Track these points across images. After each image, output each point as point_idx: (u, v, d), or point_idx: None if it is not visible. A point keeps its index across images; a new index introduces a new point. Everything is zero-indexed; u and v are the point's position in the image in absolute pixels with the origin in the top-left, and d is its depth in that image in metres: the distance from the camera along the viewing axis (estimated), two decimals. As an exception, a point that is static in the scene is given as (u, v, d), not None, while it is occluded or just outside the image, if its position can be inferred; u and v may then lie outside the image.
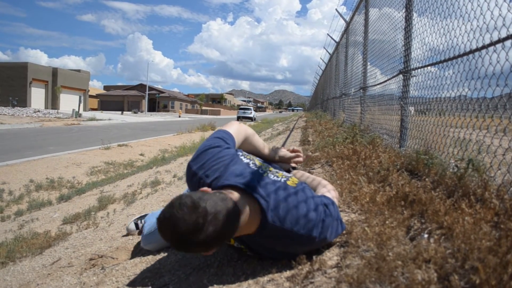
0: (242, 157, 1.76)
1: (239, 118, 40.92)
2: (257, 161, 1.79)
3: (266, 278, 1.50)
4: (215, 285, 1.55)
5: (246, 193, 1.50)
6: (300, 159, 2.13)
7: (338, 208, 1.73)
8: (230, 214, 1.35)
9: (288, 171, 2.09)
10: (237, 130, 1.95)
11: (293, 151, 2.14)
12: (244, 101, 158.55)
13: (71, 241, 3.22)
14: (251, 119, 42.22)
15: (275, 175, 1.70)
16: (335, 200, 1.76)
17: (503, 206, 1.54)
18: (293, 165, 2.17)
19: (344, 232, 1.72)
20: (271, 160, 2.06)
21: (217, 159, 1.68)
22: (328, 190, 1.85)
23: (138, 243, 2.51)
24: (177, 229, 1.27)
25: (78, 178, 7.92)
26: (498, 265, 1.10)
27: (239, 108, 56.03)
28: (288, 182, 1.66)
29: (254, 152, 2.03)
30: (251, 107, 50.56)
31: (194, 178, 1.67)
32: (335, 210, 1.64)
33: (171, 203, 1.33)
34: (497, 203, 1.57)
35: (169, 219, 1.29)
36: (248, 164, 1.71)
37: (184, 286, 1.65)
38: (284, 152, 2.10)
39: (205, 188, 1.47)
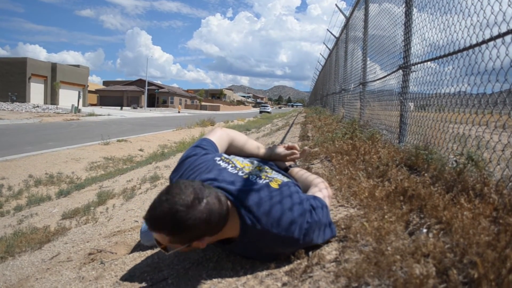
0: (220, 162, 1.77)
1: (261, 112, 57.89)
2: (239, 163, 1.79)
3: (265, 272, 1.50)
4: (214, 280, 1.55)
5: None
6: (296, 155, 2.11)
7: (329, 211, 1.70)
8: (221, 201, 1.42)
9: (287, 169, 2.08)
10: (219, 136, 1.99)
11: (288, 147, 2.12)
12: (244, 96, 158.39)
13: (70, 236, 3.22)
14: (269, 112, 57.80)
15: (259, 176, 1.70)
16: (327, 200, 1.74)
17: (502, 201, 1.54)
18: (289, 163, 2.15)
19: (343, 226, 1.72)
20: (268, 159, 2.05)
21: (193, 168, 1.71)
22: (320, 190, 1.82)
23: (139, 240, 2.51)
24: (174, 200, 1.33)
25: (77, 173, 7.91)
26: (496, 259, 1.10)
27: (260, 105, 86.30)
28: (271, 184, 1.65)
29: (248, 154, 2.04)
30: (268, 104, 76.20)
31: None
32: (324, 213, 1.61)
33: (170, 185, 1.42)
34: (496, 198, 1.57)
35: (162, 197, 1.37)
36: (225, 168, 1.72)
37: (183, 281, 1.65)
38: (279, 150, 2.09)
39: None
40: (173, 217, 1.32)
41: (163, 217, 1.33)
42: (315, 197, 1.69)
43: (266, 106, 70.14)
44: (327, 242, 1.64)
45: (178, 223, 1.32)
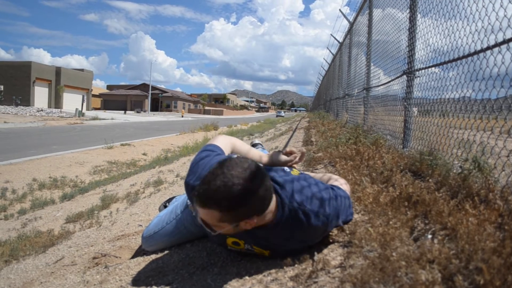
0: None
1: (277, 116, 69.74)
2: None
3: (269, 277, 1.50)
4: (218, 284, 1.55)
5: None
6: (296, 159, 2.12)
7: (350, 199, 1.80)
8: (265, 179, 1.44)
9: None
10: (223, 142, 2.00)
11: (287, 153, 2.12)
12: (247, 101, 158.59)
13: (74, 240, 3.22)
14: (283, 116, 67.97)
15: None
16: (345, 187, 1.86)
17: (507, 207, 1.54)
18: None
19: (348, 232, 1.73)
20: (271, 166, 2.07)
21: (210, 167, 1.70)
22: (341, 184, 1.90)
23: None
24: (231, 173, 1.35)
25: (81, 177, 7.93)
26: (502, 266, 1.10)
27: (276, 110, 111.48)
28: (292, 172, 1.77)
29: None
30: (282, 110, 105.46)
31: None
32: (344, 193, 1.74)
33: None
34: (501, 204, 1.57)
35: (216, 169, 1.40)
36: None
37: (188, 285, 1.65)
38: (280, 157, 2.10)
39: None
40: (230, 191, 1.31)
41: (219, 191, 1.31)
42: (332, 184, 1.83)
43: (281, 112, 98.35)
44: (333, 240, 1.68)
45: (234, 197, 1.32)
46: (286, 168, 1.86)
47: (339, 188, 1.74)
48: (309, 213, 1.55)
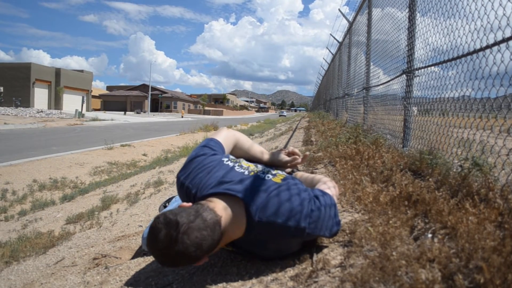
0: (228, 162, 1.78)
1: (280, 116, 76.50)
2: (244, 163, 1.81)
3: (270, 277, 1.50)
4: (219, 285, 1.55)
5: (227, 196, 1.52)
6: (298, 161, 2.11)
7: (336, 207, 1.69)
8: (207, 221, 1.36)
9: (291, 173, 2.08)
10: (226, 136, 1.99)
11: (289, 153, 2.11)
12: (247, 101, 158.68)
13: (74, 241, 3.23)
14: (285, 116, 71.44)
15: (265, 173, 1.72)
16: (334, 198, 1.72)
17: (507, 206, 1.54)
18: (289, 170, 2.14)
19: (348, 231, 1.72)
20: (271, 165, 2.06)
21: (201, 167, 1.71)
22: (329, 187, 1.81)
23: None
24: (156, 246, 1.31)
25: (81, 178, 7.93)
26: (502, 264, 1.10)
27: (279, 111, 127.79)
28: (274, 179, 1.67)
29: (252, 158, 2.05)
30: (284, 110, 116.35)
31: (182, 188, 1.71)
32: (327, 202, 1.61)
33: (151, 225, 1.37)
34: (501, 203, 1.57)
35: (150, 238, 1.34)
36: (233, 167, 1.73)
37: (188, 286, 1.65)
38: (281, 156, 2.09)
39: (184, 204, 1.47)
40: (183, 255, 1.31)
41: (175, 259, 1.33)
42: (319, 189, 1.70)
43: (283, 112, 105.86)
44: (333, 239, 1.65)
45: (190, 253, 1.31)
46: (273, 170, 1.82)
47: (325, 194, 1.65)
48: (280, 228, 1.50)
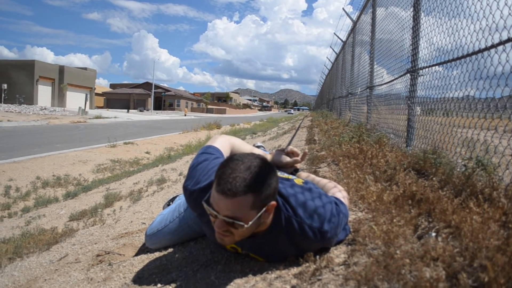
0: None
1: (288, 113, 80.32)
2: None
3: (273, 275, 1.50)
4: (222, 282, 1.55)
5: None
6: (298, 160, 2.10)
7: (348, 218, 1.74)
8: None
9: (293, 174, 2.08)
10: (222, 142, 1.98)
11: (288, 153, 2.11)
12: (250, 100, 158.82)
13: (78, 238, 3.24)
14: (292, 114, 78.66)
15: (283, 175, 1.74)
16: (346, 201, 1.77)
17: (511, 206, 1.54)
18: (291, 170, 2.14)
19: (352, 230, 1.73)
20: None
21: (207, 172, 1.67)
22: (339, 190, 1.86)
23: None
24: (245, 161, 1.39)
25: (85, 175, 7.96)
26: (506, 263, 1.10)
27: (287, 109, 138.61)
28: (296, 181, 1.69)
29: None
30: (291, 109, 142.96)
31: (192, 196, 1.66)
32: (345, 210, 1.67)
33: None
34: (505, 202, 1.57)
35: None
36: None
37: (192, 283, 1.65)
38: (282, 158, 2.09)
39: None
40: (256, 171, 1.35)
41: (247, 174, 1.35)
42: (336, 197, 1.73)
43: (290, 110, 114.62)
44: (335, 245, 1.65)
45: (260, 176, 1.36)
46: (290, 176, 1.82)
47: (342, 203, 1.68)
48: (305, 228, 1.52)
